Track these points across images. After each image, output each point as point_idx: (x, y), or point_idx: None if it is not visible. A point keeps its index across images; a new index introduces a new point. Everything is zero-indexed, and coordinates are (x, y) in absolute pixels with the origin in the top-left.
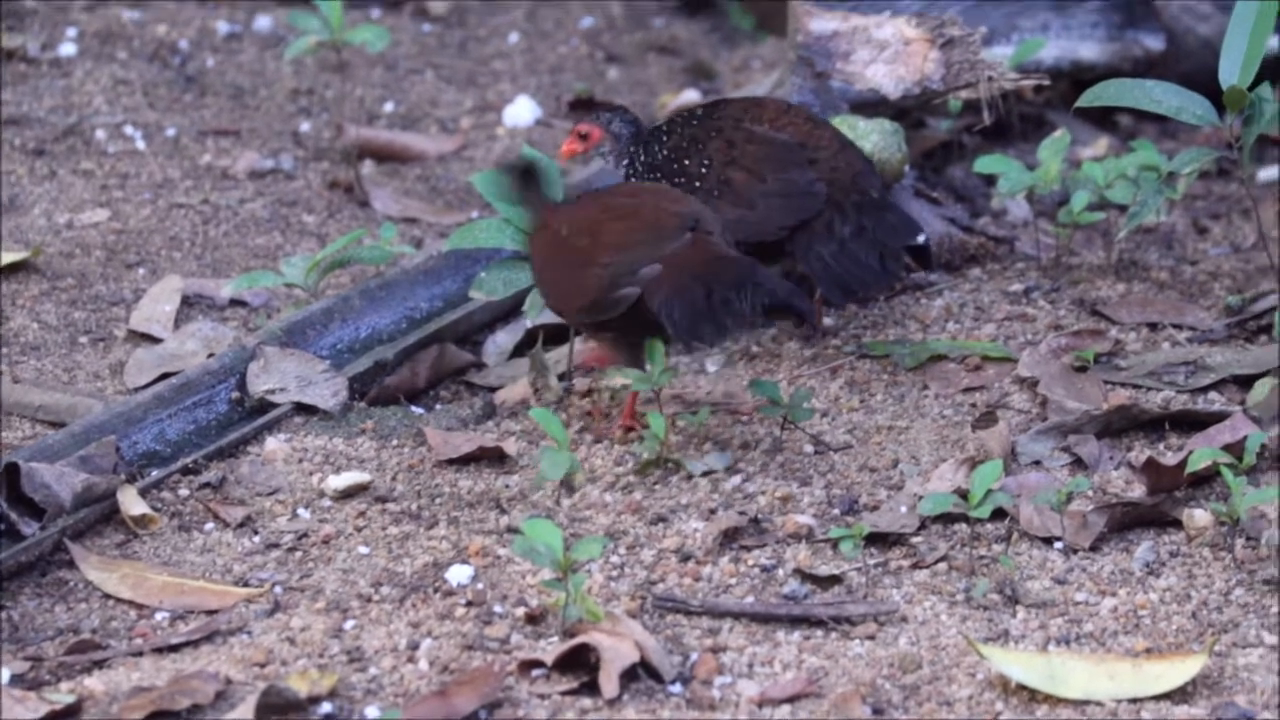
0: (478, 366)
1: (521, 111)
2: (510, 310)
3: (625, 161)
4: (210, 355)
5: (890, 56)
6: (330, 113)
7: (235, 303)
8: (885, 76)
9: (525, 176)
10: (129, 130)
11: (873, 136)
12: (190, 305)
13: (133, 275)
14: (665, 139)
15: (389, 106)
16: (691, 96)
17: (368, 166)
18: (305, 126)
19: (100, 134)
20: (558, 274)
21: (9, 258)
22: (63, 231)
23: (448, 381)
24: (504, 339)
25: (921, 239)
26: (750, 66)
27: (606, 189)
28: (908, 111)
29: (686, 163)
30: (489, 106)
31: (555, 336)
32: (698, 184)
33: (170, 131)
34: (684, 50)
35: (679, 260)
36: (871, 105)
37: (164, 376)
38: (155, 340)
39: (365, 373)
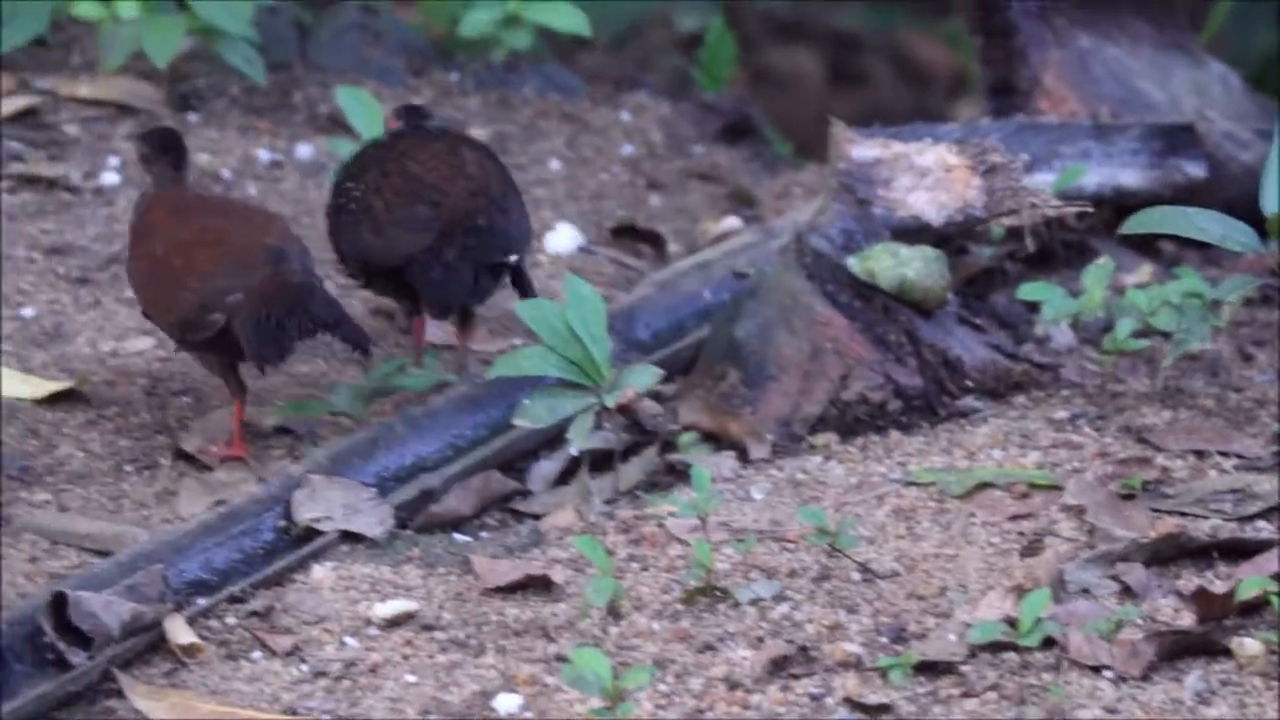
0: (523, 493)
1: (563, 238)
2: (554, 437)
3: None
4: (257, 483)
5: (932, 183)
6: None
7: (280, 430)
8: (927, 203)
9: (164, 147)
10: None
11: (915, 263)
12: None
13: (178, 403)
14: (345, 167)
15: None
16: (733, 223)
17: None
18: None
19: None
20: (152, 288)
21: (54, 387)
22: (107, 360)
23: (493, 509)
24: (548, 466)
25: (513, 258)
26: (791, 193)
27: (205, 198)
28: (950, 238)
29: (349, 184)
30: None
31: (600, 463)
32: (353, 205)
33: None
34: (725, 177)
35: (259, 289)
36: (914, 232)
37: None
38: (204, 468)
39: (411, 500)
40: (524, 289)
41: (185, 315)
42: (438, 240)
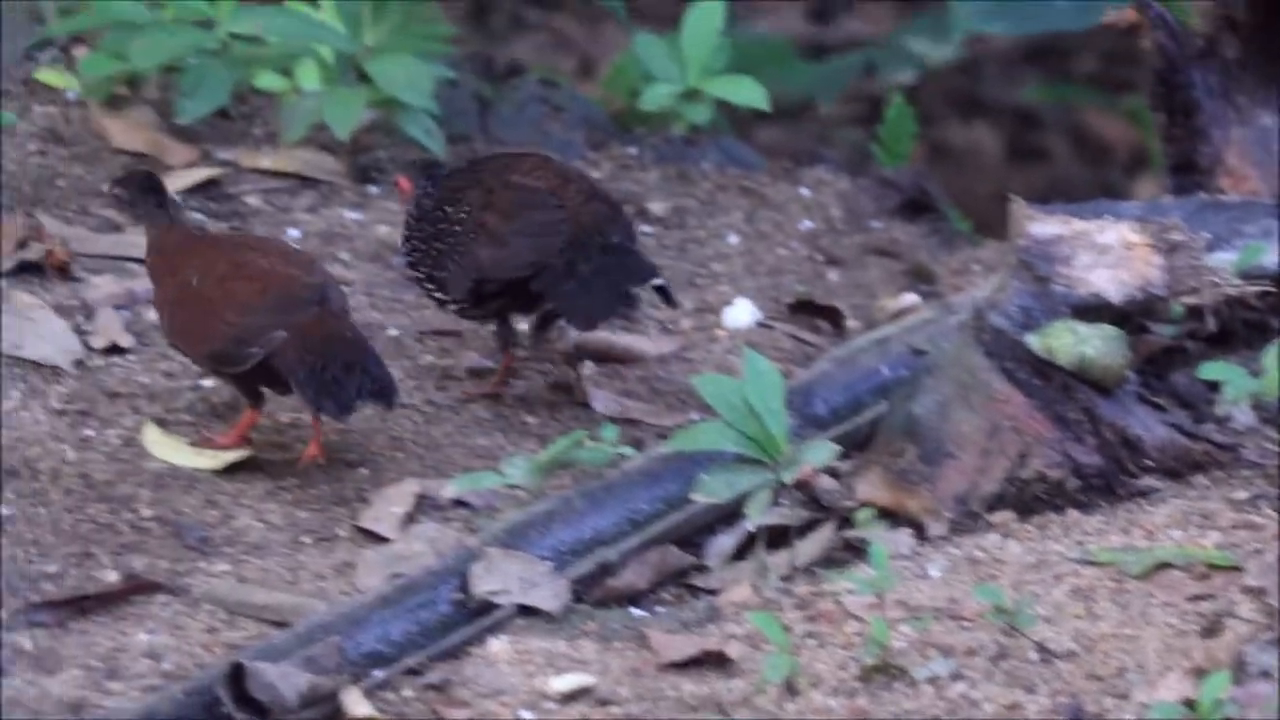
0: (700, 568)
1: (741, 313)
2: (731, 512)
3: (411, 213)
4: (434, 556)
5: (1113, 261)
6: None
7: (458, 503)
8: (1108, 281)
9: (143, 188)
10: None
11: (1094, 341)
12: (415, 505)
13: (355, 475)
14: (428, 198)
15: None
16: (911, 299)
17: (588, 367)
18: (524, 327)
19: None
20: (184, 317)
21: (233, 458)
22: (286, 432)
23: (669, 583)
24: (725, 541)
25: (659, 281)
26: (970, 269)
27: (239, 237)
28: (1130, 316)
29: (449, 209)
30: (708, 308)
31: (777, 538)
32: (457, 227)
33: (392, 331)
34: (903, 253)
35: (303, 330)
36: (1093, 310)
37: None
38: (382, 540)
39: (588, 574)
40: (671, 300)
41: (219, 348)
42: (568, 246)
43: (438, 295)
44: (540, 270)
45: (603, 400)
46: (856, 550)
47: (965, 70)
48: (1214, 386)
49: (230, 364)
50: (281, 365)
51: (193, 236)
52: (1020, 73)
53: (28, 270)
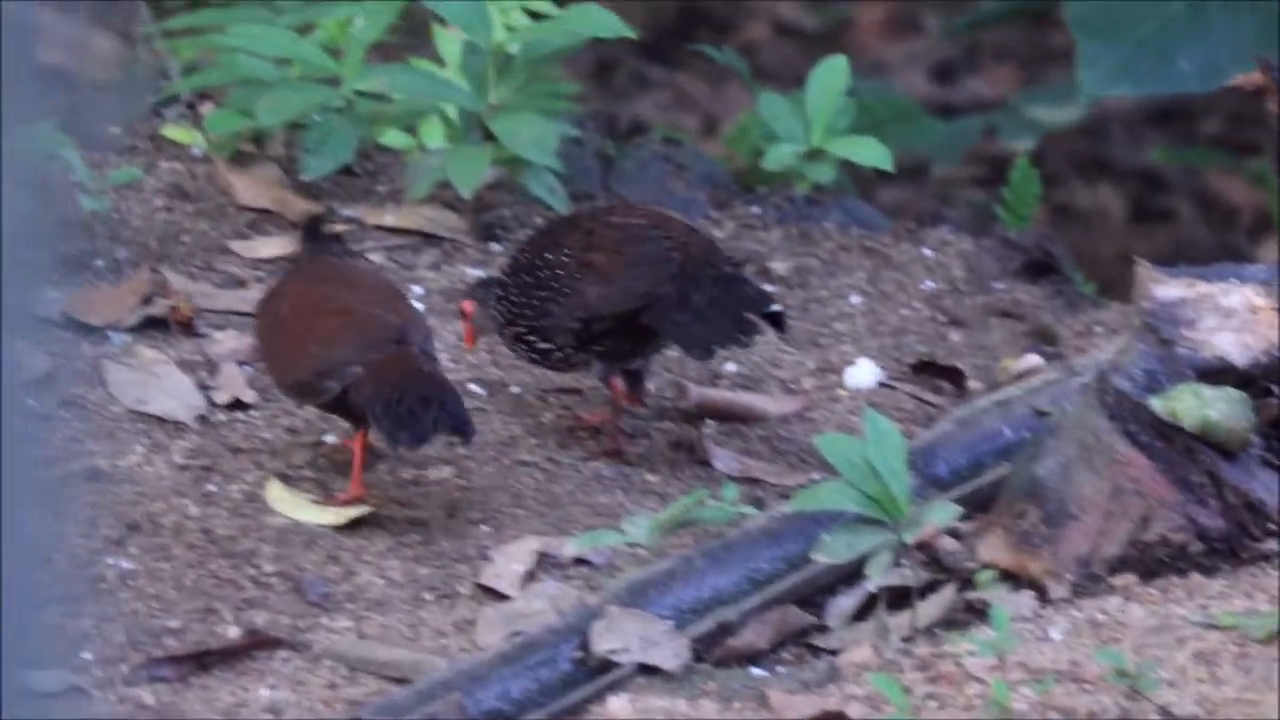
0: (820, 628)
1: (863, 373)
2: (852, 572)
3: (496, 294)
4: (555, 614)
5: (1238, 325)
6: (672, 373)
7: (579, 561)
8: (1232, 345)
9: (311, 233)
10: (473, 388)
11: (1219, 404)
12: (536, 563)
13: (476, 532)
14: (525, 252)
15: (730, 367)
16: (1034, 361)
17: (709, 426)
18: (647, 386)
19: None
20: (275, 347)
21: (355, 513)
22: (408, 487)
23: (790, 643)
24: (846, 601)
25: (775, 307)
26: (1093, 331)
27: (329, 265)
28: (1254, 380)
29: (548, 256)
30: (831, 368)
31: (897, 599)
32: (559, 271)
33: (514, 389)
34: (1026, 314)
35: (381, 368)
36: (1217, 373)
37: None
38: (502, 597)
39: (708, 633)
40: (783, 327)
41: (302, 379)
42: (680, 277)
43: (541, 346)
44: (652, 302)
45: (724, 459)
46: (977, 612)
47: (1090, 132)
48: None
49: (310, 396)
50: (357, 399)
51: (298, 266)
52: (1145, 135)
53: (152, 326)
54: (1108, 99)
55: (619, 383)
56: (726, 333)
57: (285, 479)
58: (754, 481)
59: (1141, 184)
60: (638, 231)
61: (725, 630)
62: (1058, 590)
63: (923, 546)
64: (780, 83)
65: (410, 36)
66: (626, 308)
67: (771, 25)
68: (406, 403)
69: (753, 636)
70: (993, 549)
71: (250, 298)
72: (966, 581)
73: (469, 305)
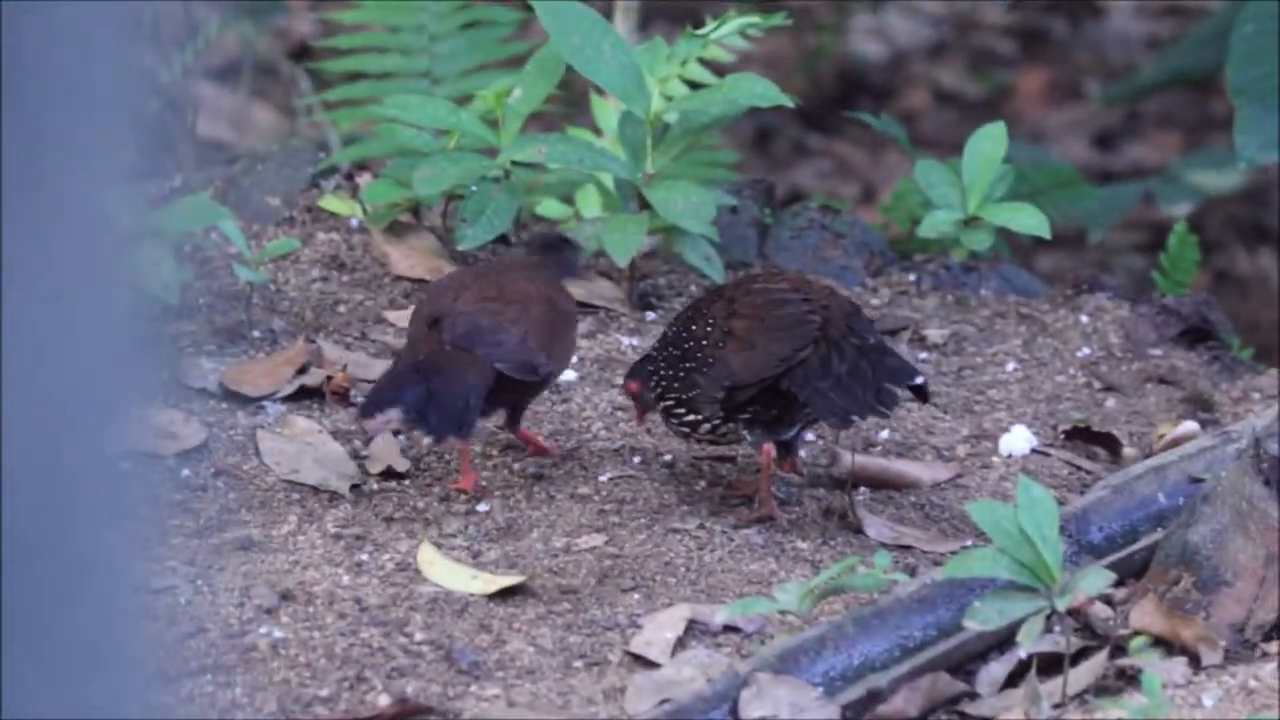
0: (971, 695)
1: (1018, 440)
2: (1004, 639)
3: (648, 369)
4: (704, 681)
5: None
6: (825, 439)
7: (729, 628)
8: None
9: (549, 247)
10: (627, 456)
11: None
12: (686, 630)
13: (627, 600)
14: (673, 326)
15: (884, 434)
16: (1190, 427)
17: (862, 493)
18: (800, 454)
19: (598, 459)
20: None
21: (505, 582)
22: (559, 555)
23: (940, 710)
24: (997, 669)
25: (919, 380)
26: (1250, 397)
27: (491, 264)
28: None
29: (693, 328)
30: (985, 435)
31: (1049, 666)
32: (704, 341)
33: (667, 457)
34: (1183, 381)
35: (415, 350)
36: None
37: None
38: (652, 665)
39: (858, 700)
40: (926, 396)
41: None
42: (820, 342)
43: (690, 419)
44: (792, 367)
45: (876, 526)
46: (1129, 678)
47: (1250, 197)
48: None
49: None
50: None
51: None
52: None
53: (307, 395)
54: (1268, 166)
55: (770, 449)
56: (867, 403)
57: (437, 547)
58: (906, 548)
59: None
60: (779, 296)
61: (875, 697)
62: (1210, 657)
63: (1075, 613)
64: (940, 150)
65: (568, 106)
66: (769, 373)
67: (931, 93)
68: (430, 388)
69: (903, 703)
70: (1145, 615)
71: None
72: (1119, 648)
73: (635, 385)
